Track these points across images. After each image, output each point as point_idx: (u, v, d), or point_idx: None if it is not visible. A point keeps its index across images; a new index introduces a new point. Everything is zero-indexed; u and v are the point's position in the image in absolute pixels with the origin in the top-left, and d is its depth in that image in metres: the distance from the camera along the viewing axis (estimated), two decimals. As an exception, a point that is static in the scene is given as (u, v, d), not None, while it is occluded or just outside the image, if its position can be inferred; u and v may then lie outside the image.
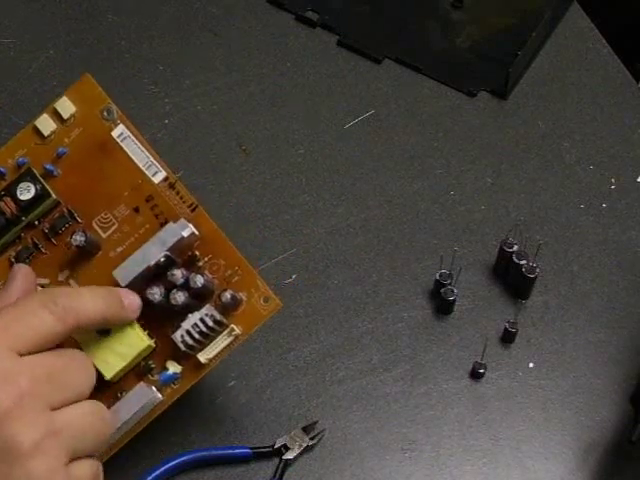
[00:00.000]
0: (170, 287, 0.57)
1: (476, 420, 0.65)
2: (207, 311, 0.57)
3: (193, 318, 0.57)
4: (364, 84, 0.79)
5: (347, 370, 0.67)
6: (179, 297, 0.56)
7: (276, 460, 0.64)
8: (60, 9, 0.82)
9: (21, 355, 0.51)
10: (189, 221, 0.58)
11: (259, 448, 0.64)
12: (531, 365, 0.67)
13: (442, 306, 0.69)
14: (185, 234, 0.57)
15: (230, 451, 0.64)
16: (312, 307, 0.69)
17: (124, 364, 0.57)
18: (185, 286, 0.56)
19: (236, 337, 0.58)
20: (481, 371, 0.66)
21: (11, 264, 0.59)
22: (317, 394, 0.66)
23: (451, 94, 0.78)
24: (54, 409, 0.51)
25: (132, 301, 0.57)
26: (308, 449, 0.64)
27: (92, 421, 0.53)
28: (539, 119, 0.77)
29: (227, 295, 0.57)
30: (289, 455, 0.64)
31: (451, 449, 0.65)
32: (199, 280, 0.56)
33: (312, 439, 0.64)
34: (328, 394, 0.66)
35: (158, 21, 0.82)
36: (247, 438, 0.65)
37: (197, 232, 0.58)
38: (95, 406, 0.53)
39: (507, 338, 0.68)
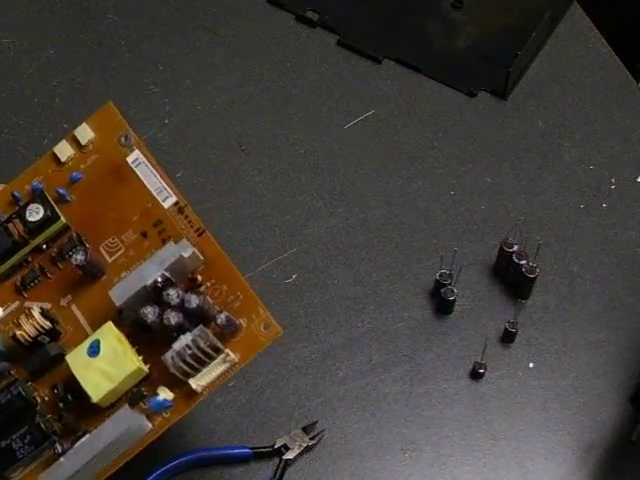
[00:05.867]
0: (165, 308, 0.54)
1: (476, 420, 0.65)
2: (199, 332, 0.54)
3: (185, 339, 0.54)
4: (364, 84, 0.79)
5: (347, 370, 0.67)
6: (172, 317, 0.54)
7: (276, 460, 0.64)
8: (60, 9, 0.82)
9: None
10: (194, 245, 0.56)
11: (259, 448, 0.64)
12: (531, 365, 0.67)
13: (442, 306, 0.69)
14: (185, 254, 0.55)
15: (230, 451, 0.64)
16: (312, 307, 0.69)
17: (112, 386, 0.54)
18: (180, 307, 0.54)
19: (232, 364, 0.55)
20: (481, 371, 0.66)
21: (17, 288, 0.58)
22: (317, 394, 0.66)
23: (451, 94, 0.78)
24: None
25: None
26: (308, 449, 0.64)
27: None
28: (539, 119, 0.77)
29: (222, 317, 0.54)
30: (289, 455, 0.64)
31: (451, 449, 0.65)
32: (194, 300, 0.54)
33: (312, 439, 0.64)
34: (328, 394, 0.66)
35: (158, 21, 0.82)
36: (247, 438, 0.65)
37: (201, 256, 0.56)
38: None
39: (507, 338, 0.68)
